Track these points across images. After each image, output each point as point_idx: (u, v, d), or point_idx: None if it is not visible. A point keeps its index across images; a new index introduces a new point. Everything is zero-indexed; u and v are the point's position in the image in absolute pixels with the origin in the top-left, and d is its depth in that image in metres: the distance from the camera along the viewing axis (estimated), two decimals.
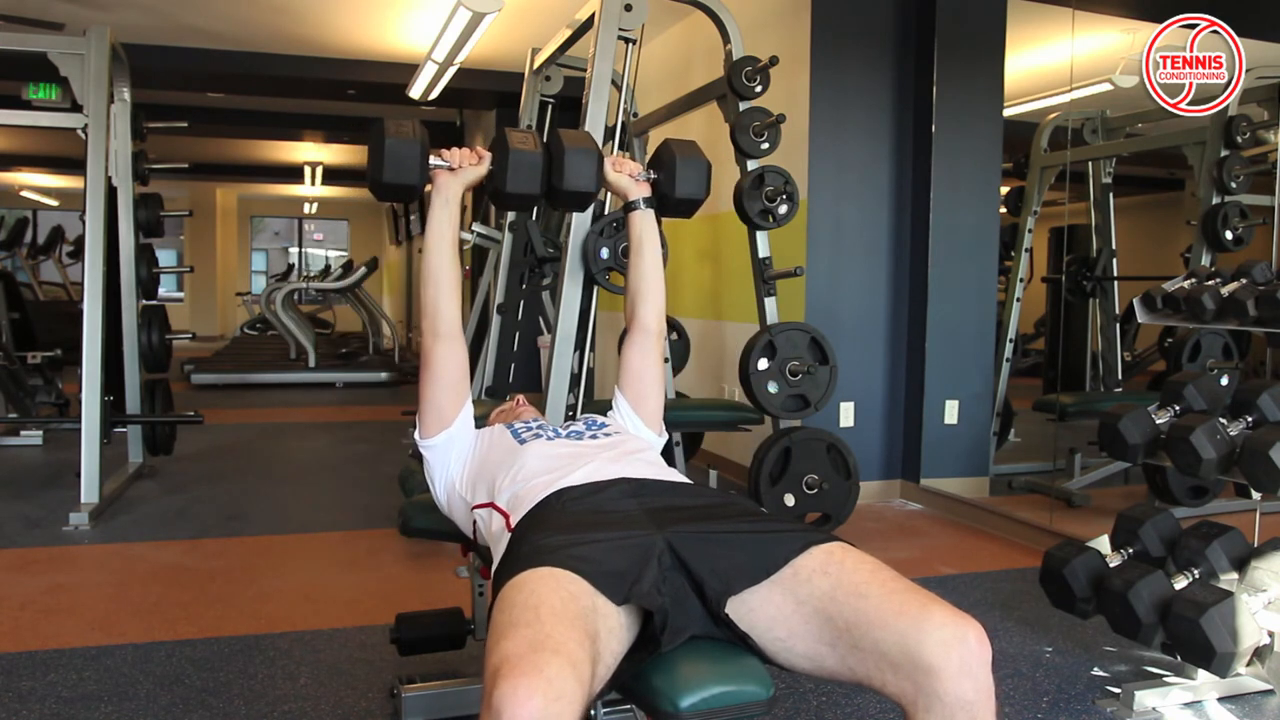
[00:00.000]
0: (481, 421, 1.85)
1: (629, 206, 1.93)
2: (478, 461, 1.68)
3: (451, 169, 1.74)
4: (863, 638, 1.19)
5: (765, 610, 1.27)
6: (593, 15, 3.18)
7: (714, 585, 1.27)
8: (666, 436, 1.92)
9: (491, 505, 1.55)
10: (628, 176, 1.92)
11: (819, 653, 1.24)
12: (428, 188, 1.76)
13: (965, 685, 1.12)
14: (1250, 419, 2.23)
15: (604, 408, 1.95)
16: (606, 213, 3.08)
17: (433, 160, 1.72)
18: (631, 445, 1.70)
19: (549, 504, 1.44)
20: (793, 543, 1.31)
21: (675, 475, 1.60)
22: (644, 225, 1.92)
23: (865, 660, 1.19)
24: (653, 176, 1.95)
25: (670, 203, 1.94)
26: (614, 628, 1.20)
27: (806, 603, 1.25)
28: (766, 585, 1.28)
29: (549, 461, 1.57)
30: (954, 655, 1.13)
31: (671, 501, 1.44)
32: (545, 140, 1.82)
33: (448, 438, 1.72)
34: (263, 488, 4.54)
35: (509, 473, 1.57)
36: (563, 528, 1.33)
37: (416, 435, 1.76)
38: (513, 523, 1.46)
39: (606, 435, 1.73)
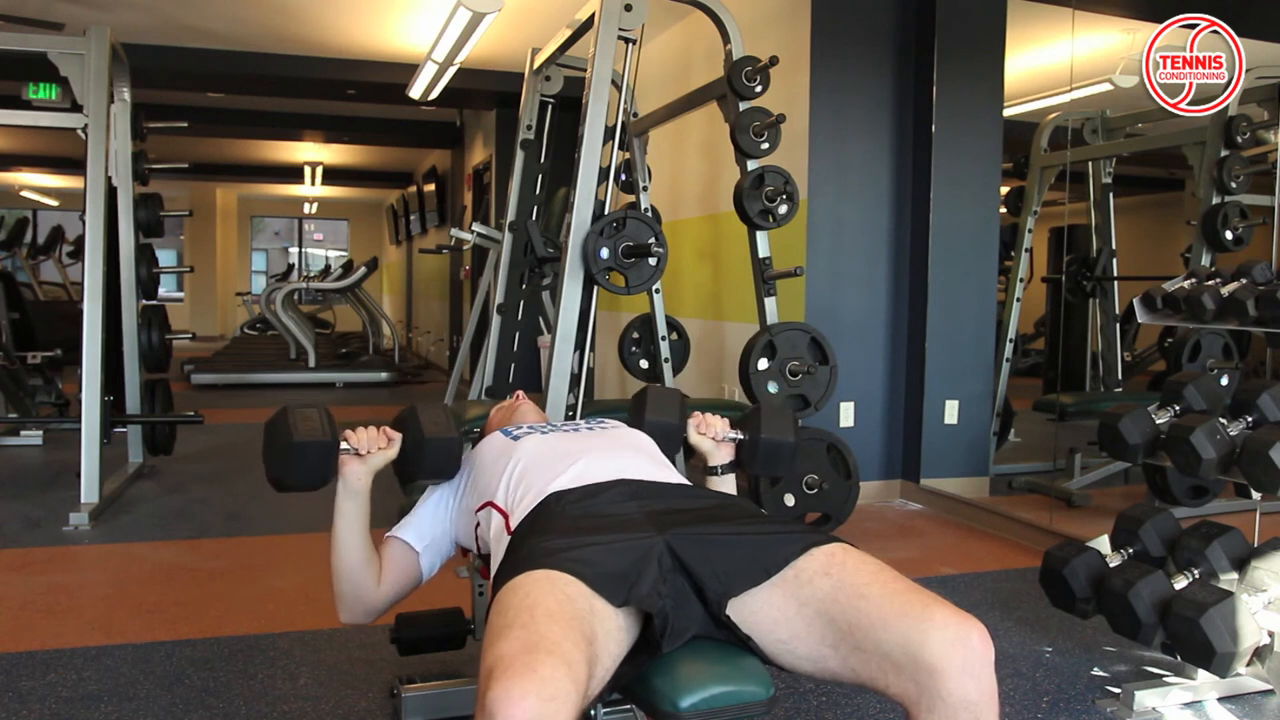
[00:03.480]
0: (480, 421, 1.85)
1: (709, 471, 1.84)
2: (474, 471, 1.68)
3: (359, 454, 1.60)
4: (865, 639, 1.18)
5: (766, 612, 1.27)
6: (593, 15, 3.17)
7: (714, 588, 1.27)
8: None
9: (491, 504, 1.55)
10: (710, 440, 1.82)
11: (821, 654, 1.24)
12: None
13: (968, 685, 1.12)
14: (1250, 419, 2.23)
15: (603, 408, 1.95)
16: (606, 212, 3.08)
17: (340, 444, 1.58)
18: (627, 436, 1.70)
19: (547, 507, 1.43)
20: (793, 544, 1.31)
21: (675, 476, 1.59)
22: (721, 489, 1.81)
23: (868, 661, 1.18)
24: (738, 437, 1.84)
25: (748, 470, 1.86)
26: (612, 630, 1.20)
27: (808, 604, 1.25)
28: (767, 587, 1.28)
29: (545, 455, 1.57)
30: (957, 655, 1.12)
31: (671, 504, 1.43)
32: (638, 401, 1.74)
33: (431, 545, 1.69)
34: (263, 488, 4.48)
35: (506, 469, 1.57)
36: (561, 531, 1.33)
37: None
38: (512, 523, 1.46)
39: (603, 427, 1.73)
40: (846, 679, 1.23)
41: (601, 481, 1.48)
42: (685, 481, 1.58)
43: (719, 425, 1.83)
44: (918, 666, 1.13)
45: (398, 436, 1.65)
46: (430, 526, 1.71)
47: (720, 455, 1.82)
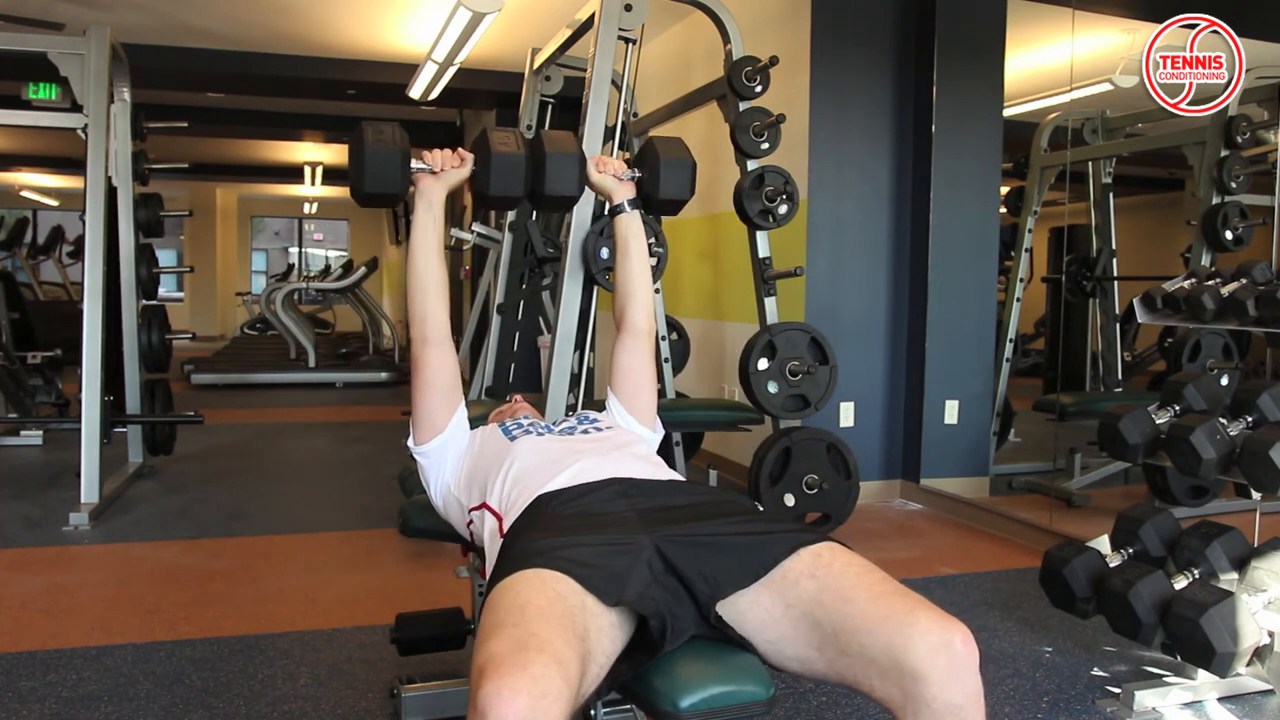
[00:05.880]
0: (480, 421, 1.84)
1: (614, 210, 1.91)
2: (471, 462, 1.68)
3: (434, 172, 1.72)
4: (849, 643, 1.18)
5: (754, 613, 1.27)
6: (593, 15, 3.18)
7: (702, 589, 1.26)
8: (663, 432, 1.91)
9: (485, 506, 1.55)
10: (611, 177, 1.90)
11: (808, 656, 1.23)
12: (412, 189, 1.74)
13: (953, 691, 1.12)
14: (1250, 419, 2.23)
15: (602, 406, 1.95)
16: (606, 212, 3.08)
17: (414, 164, 1.69)
18: (622, 439, 1.70)
19: (540, 507, 1.43)
20: (781, 545, 1.30)
21: (668, 472, 1.59)
22: (629, 228, 1.92)
23: (853, 665, 1.18)
24: (636, 175, 1.92)
25: (654, 203, 1.92)
26: (605, 626, 1.19)
27: (794, 606, 1.24)
28: (755, 589, 1.27)
29: (539, 458, 1.56)
30: (940, 661, 1.12)
31: (663, 501, 1.43)
32: (531, 142, 1.80)
33: (441, 443, 1.70)
34: (263, 488, 4.54)
35: (500, 471, 1.56)
36: (553, 531, 1.32)
37: (410, 443, 1.73)
38: (505, 525, 1.46)
39: (598, 430, 1.72)
40: (833, 681, 1.22)
41: (593, 481, 1.47)
42: (679, 478, 1.58)
43: (617, 163, 1.92)
44: (902, 672, 1.13)
45: (470, 156, 1.75)
46: (453, 443, 1.72)
47: (623, 192, 1.91)
